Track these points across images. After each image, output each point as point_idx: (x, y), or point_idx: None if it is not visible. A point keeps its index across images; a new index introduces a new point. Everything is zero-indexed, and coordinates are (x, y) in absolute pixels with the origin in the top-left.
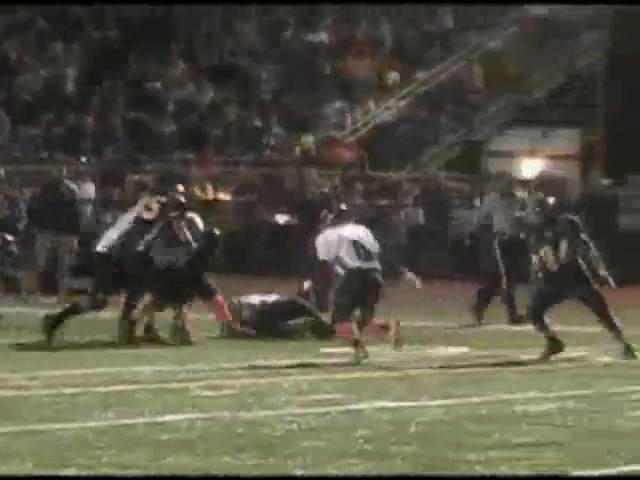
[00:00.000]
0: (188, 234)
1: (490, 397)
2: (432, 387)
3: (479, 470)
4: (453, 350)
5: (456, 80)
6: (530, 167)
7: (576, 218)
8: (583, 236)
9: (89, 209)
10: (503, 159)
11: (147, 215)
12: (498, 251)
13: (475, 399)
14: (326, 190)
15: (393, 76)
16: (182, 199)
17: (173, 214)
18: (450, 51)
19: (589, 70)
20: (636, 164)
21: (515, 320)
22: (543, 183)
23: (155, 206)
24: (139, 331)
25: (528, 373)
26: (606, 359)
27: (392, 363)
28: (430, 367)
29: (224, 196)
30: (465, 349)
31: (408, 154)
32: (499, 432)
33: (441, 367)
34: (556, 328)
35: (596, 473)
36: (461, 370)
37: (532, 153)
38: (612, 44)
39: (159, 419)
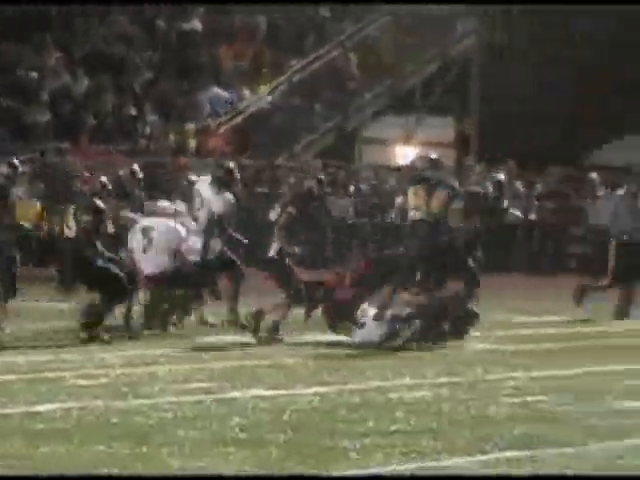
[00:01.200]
0: None
1: (365, 384)
2: (307, 375)
3: (354, 457)
4: (328, 337)
5: (331, 68)
6: (403, 155)
7: None
8: None
9: None
10: (377, 146)
11: None
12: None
13: (350, 386)
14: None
15: (267, 64)
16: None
17: None
18: (325, 39)
19: (463, 58)
20: (508, 150)
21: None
22: None
23: None
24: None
25: (403, 360)
26: (480, 346)
27: (268, 351)
28: (305, 355)
29: None
30: (341, 337)
31: (283, 142)
32: (374, 419)
33: (316, 355)
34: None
35: (473, 459)
36: (336, 358)
37: (406, 140)
38: (485, 32)
39: (34, 409)
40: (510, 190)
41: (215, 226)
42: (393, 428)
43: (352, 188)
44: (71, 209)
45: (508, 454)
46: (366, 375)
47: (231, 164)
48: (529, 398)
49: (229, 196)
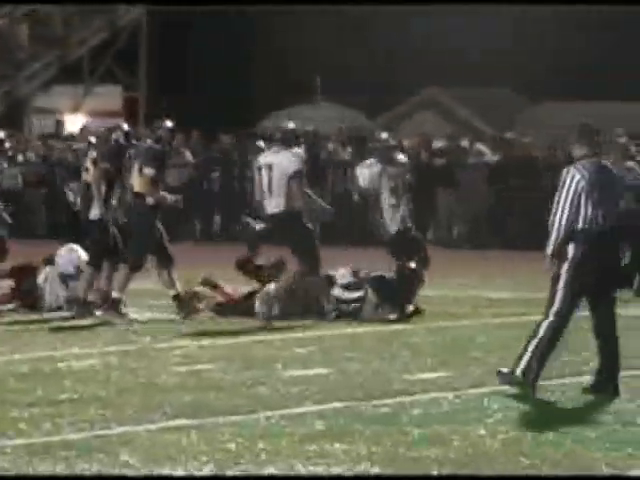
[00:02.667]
0: None
1: (33, 354)
2: None
3: (23, 427)
4: None
5: None
6: (73, 123)
7: None
8: None
9: None
10: (47, 115)
11: None
12: None
13: (17, 356)
14: None
15: None
16: None
17: None
18: None
19: (131, 27)
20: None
21: None
22: None
23: None
24: None
25: (72, 330)
26: (148, 315)
27: None
28: None
29: None
30: None
31: None
32: (42, 389)
33: None
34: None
35: (141, 428)
36: (2, 327)
37: (75, 109)
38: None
39: None
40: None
41: None
42: (62, 397)
43: (20, 158)
44: None
45: (177, 422)
46: (35, 344)
47: None
48: (198, 366)
49: None
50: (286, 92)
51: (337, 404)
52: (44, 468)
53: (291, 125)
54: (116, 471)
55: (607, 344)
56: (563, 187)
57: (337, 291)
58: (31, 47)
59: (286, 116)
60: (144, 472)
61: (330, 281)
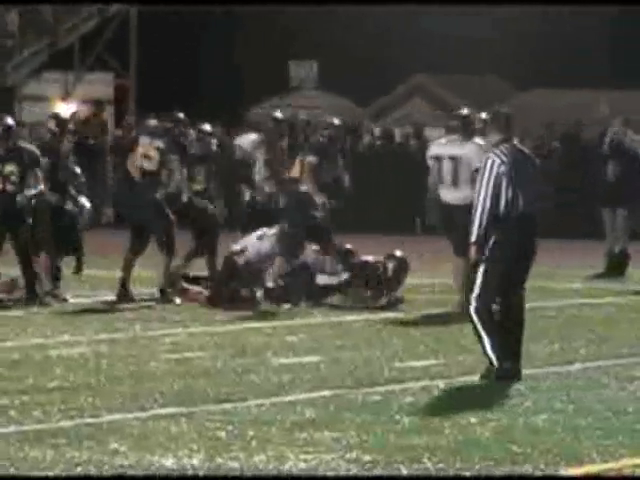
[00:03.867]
0: None
1: (23, 342)
2: None
3: (13, 415)
4: None
5: None
6: (65, 111)
7: None
8: None
9: None
10: (38, 103)
11: None
12: None
13: (8, 344)
14: None
15: None
16: None
17: None
18: None
19: (121, 14)
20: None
21: None
22: None
23: None
24: None
25: (61, 316)
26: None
27: None
28: None
29: None
30: None
31: None
32: (33, 377)
33: None
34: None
35: (131, 415)
36: None
37: (66, 97)
38: None
39: None
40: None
41: None
42: (52, 385)
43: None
44: None
45: (167, 410)
46: (26, 332)
47: None
48: (188, 354)
49: None
50: (276, 79)
51: (327, 392)
52: (34, 455)
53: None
54: (106, 459)
55: (514, 331)
56: (484, 173)
57: None
58: (21, 35)
59: (277, 104)
60: (133, 460)
61: None
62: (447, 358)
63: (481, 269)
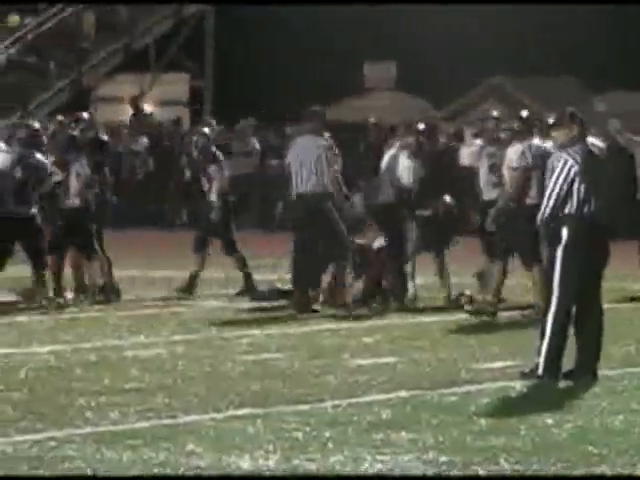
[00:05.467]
0: None
1: (100, 342)
2: (41, 333)
3: (89, 416)
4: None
5: (65, 26)
6: (139, 112)
7: None
8: None
9: None
10: (113, 105)
11: None
12: None
13: (85, 345)
14: None
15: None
16: None
17: None
18: None
19: (197, 16)
20: (243, 108)
21: None
22: None
23: None
24: None
25: (137, 318)
26: (214, 303)
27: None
28: (41, 313)
29: None
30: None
31: (16, 100)
32: (109, 378)
33: (50, 313)
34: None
35: (219, 416)
36: (70, 315)
37: (141, 98)
38: None
39: None
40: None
41: None
42: (128, 386)
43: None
44: None
45: (243, 411)
46: (102, 333)
47: None
48: (265, 355)
49: None
50: (351, 80)
51: (404, 393)
52: (111, 456)
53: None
54: (182, 460)
55: (589, 334)
56: (556, 173)
57: None
58: (97, 36)
59: (357, 104)
60: (210, 461)
61: None
62: (523, 359)
63: (556, 272)
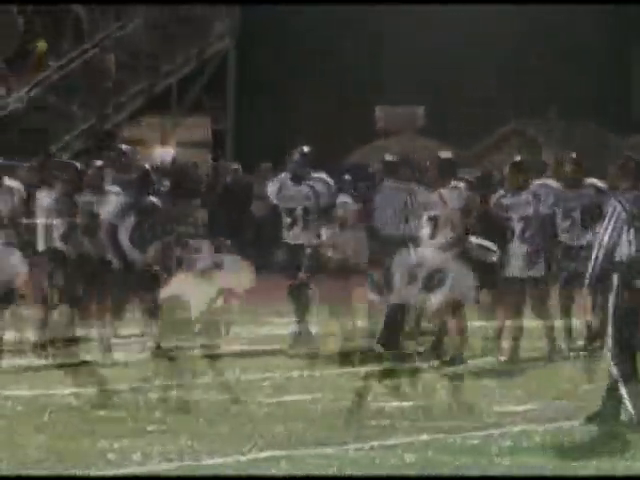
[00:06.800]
0: None
1: (123, 384)
2: (63, 375)
3: (112, 458)
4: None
5: (88, 68)
6: (162, 154)
7: None
8: None
9: None
10: (136, 147)
11: None
12: None
13: (108, 386)
14: None
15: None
16: None
17: None
18: (82, 40)
19: (219, 58)
20: (263, 152)
21: None
22: None
23: None
24: None
25: (159, 359)
26: (234, 347)
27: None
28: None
29: None
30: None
31: (38, 143)
32: (132, 419)
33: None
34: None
35: (242, 459)
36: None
37: (164, 140)
38: (242, 32)
39: None
40: None
41: None
42: (151, 428)
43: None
44: None
45: (266, 454)
46: (126, 375)
47: None
48: (287, 397)
49: None
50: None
51: (426, 436)
52: None
53: None
54: None
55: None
56: (606, 219)
57: None
58: (119, 77)
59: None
60: None
61: None
62: (545, 402)
63: (611, 319)
